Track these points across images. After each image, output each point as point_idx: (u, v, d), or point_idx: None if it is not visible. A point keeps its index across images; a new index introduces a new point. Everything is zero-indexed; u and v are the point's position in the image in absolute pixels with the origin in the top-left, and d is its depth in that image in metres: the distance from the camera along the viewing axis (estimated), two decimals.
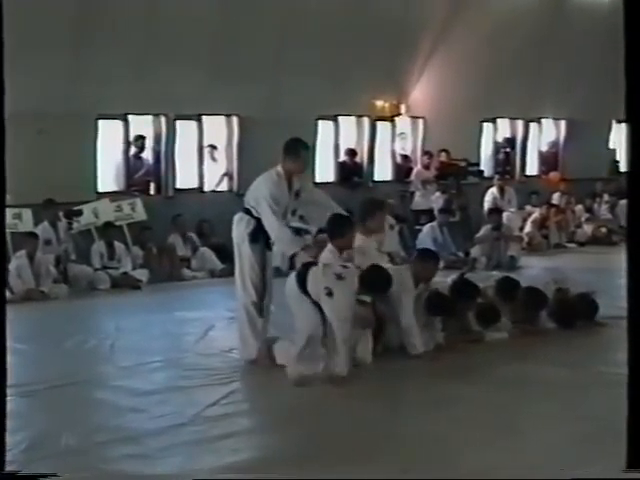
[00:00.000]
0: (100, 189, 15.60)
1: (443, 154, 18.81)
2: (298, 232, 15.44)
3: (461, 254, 15.95)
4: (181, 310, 12.01)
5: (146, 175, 16.40)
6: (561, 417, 6.99)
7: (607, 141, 23.64)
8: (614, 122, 23.64)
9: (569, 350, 9.20)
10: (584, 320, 10.10)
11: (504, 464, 5.81)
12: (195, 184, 16.84)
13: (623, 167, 24.42)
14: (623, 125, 24.33)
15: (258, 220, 8.69)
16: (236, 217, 8.93)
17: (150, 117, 16.21)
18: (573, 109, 21.67)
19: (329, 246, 8.64)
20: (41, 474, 5.22)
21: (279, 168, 8.83)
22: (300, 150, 8.96)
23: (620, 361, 8.84)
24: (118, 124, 15.78)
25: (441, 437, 6.42)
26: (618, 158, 24.33)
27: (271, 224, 8.58)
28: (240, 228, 8.82)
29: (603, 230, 19.80)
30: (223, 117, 16.93)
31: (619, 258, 15.80)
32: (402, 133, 19.58)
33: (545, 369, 8.37)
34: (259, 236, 8.73)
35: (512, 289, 10.03)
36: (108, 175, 15.92)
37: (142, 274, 14.55)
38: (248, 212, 8.79)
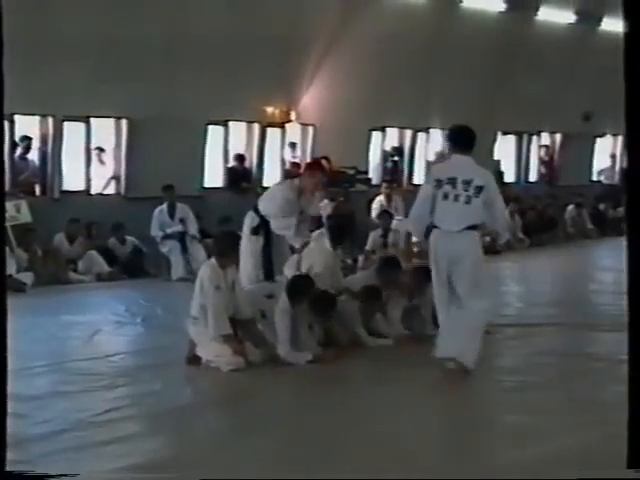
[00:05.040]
0: None
1: (324, 161, 18.87)
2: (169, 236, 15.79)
3: (349, 261, 16.03)
4: (66, 314, 11.86)
5: (32, 176, 16.15)
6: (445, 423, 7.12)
7: (492, 152, 24.11)
8: (499, 133, 24.14)
9: None
10: None
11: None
12: (82, 186, 16.63)
13: (507, 178, 24.97)
14: (508, 137, 24.96)
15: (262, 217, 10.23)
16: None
17: (37, 117, 15.96)
18: (459, 120, 21.88)
19: (212, 260, 8.89)
20: (44, 474, 5.17)
21: (295, 181, 10.36)
22: (316, 171, 10.48)
23: (506, 368, 9.07)
24: (3, 124, 15.46)
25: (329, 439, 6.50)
26: (502, 169, 24.84)
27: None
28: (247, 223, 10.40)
29: (487, 239, 20.08)
30: (112, 119, 16.77)
31: (502, 266, 16.18)
32: (293, 143, 19.69)
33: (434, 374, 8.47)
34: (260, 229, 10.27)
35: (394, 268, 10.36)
36: None
37: (26, 277, 14.29)
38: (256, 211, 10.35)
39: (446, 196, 8.41)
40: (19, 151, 15.89)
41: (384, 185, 19.38)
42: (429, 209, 8.47)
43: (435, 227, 8.50)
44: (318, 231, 11.57)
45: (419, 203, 8.61)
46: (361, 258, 16.21)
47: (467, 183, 8.39)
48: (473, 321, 8.40)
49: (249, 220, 10.44)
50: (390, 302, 10.18)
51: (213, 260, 8.95)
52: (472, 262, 8.43)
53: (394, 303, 10.21)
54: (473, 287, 8.43)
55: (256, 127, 18.84)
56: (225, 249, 9.00)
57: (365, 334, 9.75)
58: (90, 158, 16.67)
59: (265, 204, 10.33)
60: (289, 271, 10.17)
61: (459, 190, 8.39)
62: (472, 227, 8.46)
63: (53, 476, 5.13)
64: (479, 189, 8.42)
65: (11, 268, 14.31)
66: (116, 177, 17.02)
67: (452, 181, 8.40)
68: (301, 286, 9.15)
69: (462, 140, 8.75)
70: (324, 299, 9.27)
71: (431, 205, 8.45)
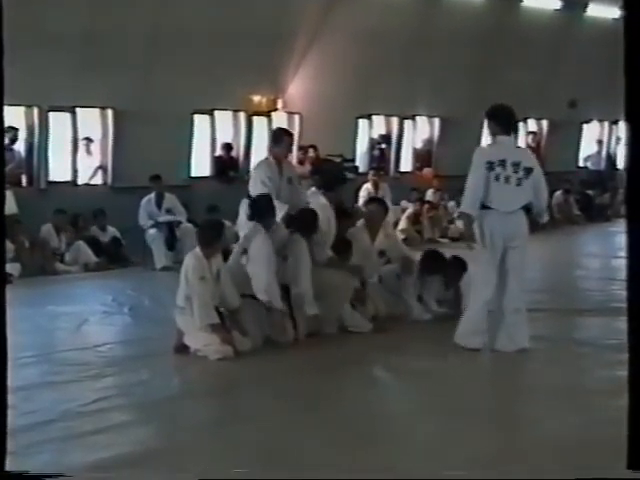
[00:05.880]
0: None
1: (311, 150, 18.86)
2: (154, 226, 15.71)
3: None
4: (54, 304, 11.83)
5: (18, 167, 16.08)
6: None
7: (479, 139, 24.08)
8: (485, 120, 24.08)
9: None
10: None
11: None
12: (68, 177, 16.58)
13: None
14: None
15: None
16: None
17: (22, 108, 15.89)
18: (446, 107, 22.03)
19: (196, 250, 8.86)
20: (44, 474, 5.15)
21: (270, 158, 10.66)
22: (284, 137, 10.71)
23: (494, 353, 9.07)
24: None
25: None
26: None
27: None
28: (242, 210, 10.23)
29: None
30: (98, 110, 16.71)
31: None
32: None
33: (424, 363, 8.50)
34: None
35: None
36: None
37: (13, 268, 14.20)
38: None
39: (497, 178, 8.62)
40: (5, 142, 15.82)
41: (371, 173, 19.38)
42: (483, 191, 8.61)
43: (487, 207, 8.61)
44: (310, 191, 11.72)
45: (473, 188, 8.69)
46: None
47: (516, 165, 8.64)
48: (521, 304, 8.76)
49: (244, 207, 10.45)
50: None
51: (198, 250, 8.89)
52: (523, 241, 8.79)
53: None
54: (522, 266, 8.79)
55: (242, 116, 18.80)
56: (209, 238, 8.94)
57: (349, 309, 9.77)
58: (77, 148, 16.62)
59: (253, 189, 10.36)
60: None
61: (509, 172, 8.62)
62: (523, 207, 8.76)
63: (52, 476, 5.12)
64: (529, 171, 8.70)
65: None
66: (103, 167, 16.98)
67: (502, 163, 8.63)
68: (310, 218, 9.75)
69: (506, 121, 8.93)
70: (305, 215, 9.86)
71: (485, 187, 8.58)
